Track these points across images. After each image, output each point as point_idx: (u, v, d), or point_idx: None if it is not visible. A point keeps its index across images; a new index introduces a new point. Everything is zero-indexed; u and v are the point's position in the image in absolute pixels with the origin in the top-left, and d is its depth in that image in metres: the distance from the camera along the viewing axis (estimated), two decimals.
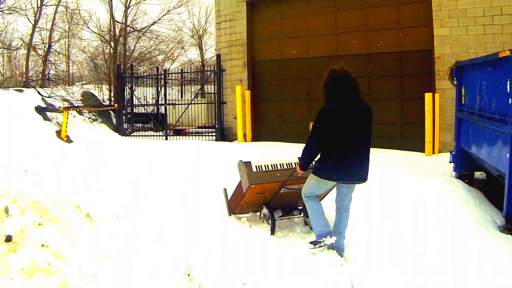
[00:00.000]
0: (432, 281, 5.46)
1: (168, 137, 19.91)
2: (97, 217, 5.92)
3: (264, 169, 7.40)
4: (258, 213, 8.05)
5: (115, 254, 5.15)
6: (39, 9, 23.02)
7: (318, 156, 6.49)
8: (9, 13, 23.79)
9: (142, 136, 20.55)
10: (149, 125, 22.24)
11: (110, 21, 24.76)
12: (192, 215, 8.21)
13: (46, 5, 23.69)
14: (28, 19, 23.67)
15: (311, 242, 6.62)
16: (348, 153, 6.31)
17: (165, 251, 5.72)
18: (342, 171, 6.33)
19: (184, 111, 20.07)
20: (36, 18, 22.96)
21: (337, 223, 6.76)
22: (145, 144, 17.31)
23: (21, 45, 24.73)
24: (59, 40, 24.98)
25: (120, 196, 8.90)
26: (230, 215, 8.02)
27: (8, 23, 25.68)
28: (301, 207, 7.79)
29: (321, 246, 6.49)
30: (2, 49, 24.92)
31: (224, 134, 19.02)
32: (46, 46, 23.52)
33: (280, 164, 7.52)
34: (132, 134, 21.07)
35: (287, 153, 13.08)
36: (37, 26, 23.14)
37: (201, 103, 20.55)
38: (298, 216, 7.89)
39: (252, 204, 7.78)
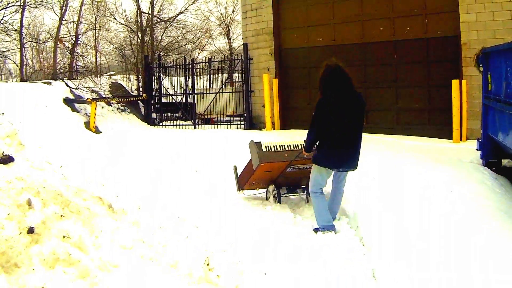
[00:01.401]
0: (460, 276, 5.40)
1: (197, 126, 19.92)
2: (119, 208, 5.95)
3: (273, 149, 8.09)
4: (265, 192, 8.72)
5: (135, 245, 5.17)
6: (65, 2, 23.19)
7: (317, 145, 7.08)
8: (36, 7, 24.04)
9: (170, 125, 20.60)
10: (177, 114, 22.21)
11: (137, 12, 24.80)
12: (216, 204, 8.24)
13: None
14: (54, 12, 23.91)
15: (314, 229, 7.13)
16: (341, 143, 6.82)
17: (185, 241, 5.75)
18: (336, 159, 6.91)
19: (213, 100, 19.99)
20: (63, 11, 23.16)
21: (330, 201, 7.35)
22: (173, 134, 17.36)
23: (49, 38, 25.01)
24: (86, 32, 25.25)
25: (144, 186, 8.95)
26: (239, 191, 8.70)
27: (35, 17, 25.97)
28: (304, 186, 8.45)
29: (322, 231, 7.02)
30: (30, 43, 25.17)
31: (252, 122, 18.99)
32: (73, 39, 23.70)
33: (287, 145, 8.16)
34: (160, 124, 21.10)
35: None
36: (63, 19, 23.36)
37: (229, 92, 20.48)
38: (302, 194, 8.56)
39: (260, 181, 8.47)
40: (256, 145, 8.05)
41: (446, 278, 5.16)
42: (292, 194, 8.55)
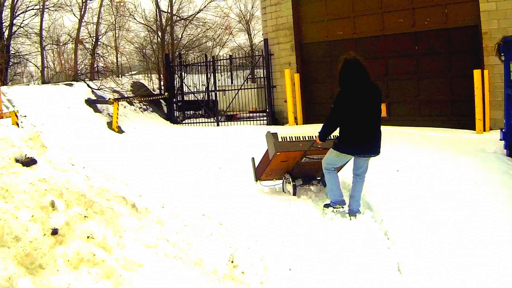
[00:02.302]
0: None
1: (220, 123, 19.92)
2: (143, 207, 5.95)
3: (288, 139, 8.45)
4: (281, 183, 9.10)
5: (160, 243, 5.15)
6: (84, 4, 23.37)
7: (338, 134, 7.45)
8: (55, 10, 24.22)
9: (193, 123, 20.64)
10: (200, 112, 22.26)
11: (156, 11, 24.87)
12: (239, 200, 8.26)
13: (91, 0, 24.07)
14: (74, 14, 24.14)
15: (325, 205, 7.76)
16: (363, 131, 7.25)
17: (209, 238, 5.74)
18: (359, 147, 7.33)
19: (235, 96, 20.03)
20: (82, 13, 23.36)
21: (352, 188, 7.68)
22: (196, 131, 17.41)
23: (69, 40, 25.18)
24: (106, 33, 25.32)
25: (168, 185, 8.98)
26: (256, 182, 9.08)
27: (55, 19, 26.16)
28: (319, 178, 8.85)
29: (333, 211, 7.52)
30: (50, 45, 25.35)
31: (275, 118, 18.95)
32: (94, 40, 23.84)
33: (302, 136, 8.53)
34: (183, 122, 21.16)
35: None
36: (83, 20, 23.53)
37: (251, 88, 20.37)
38: (316, 184, 8.91)
39: (276, 171, 8.80)
40: (272, 136, 8.39)
41: (474, 275, 5.11)
42: (307, 185, 8.84)
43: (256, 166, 9.05)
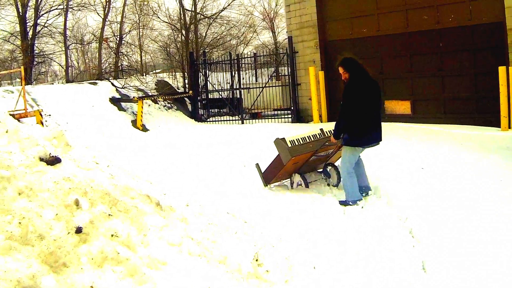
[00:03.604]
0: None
1: (244, 121, 19.94)
2: (167, 205, 5.93)
3: (297, 142, 8.62)
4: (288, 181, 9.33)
5: (184, 242, 5.14)
6: (107, 3, 23.51)
7: (348, 129, 7.86)
8: (79, 10, 24.41)
9: (218, 121, 20.67)
10: (224, 110, 22.29)
11: (180, 9, 24.91)
12: (264, 198, 8.23)
13: None
14: (97, 13, 24.30)
15: (341, 202, 7.98)
16: (370, 123, 7.83)
17: (234, 236, 5.71)
18: (367, 138, 7.87)
19: (259, 94, 20.02)
20: (106, 12, 23.51)
21: (356, 167, 8.09)
22: (221, 129, 17.43)
23: (93, 39, 25.38)
24: (130, 31, 25.47)
25: (192, 183, 8.97)
26: (265, 186, 9.16)
27: (79, 19, 26.37)
28: (320, 170, 9.29)
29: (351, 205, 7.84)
30: (74, 44, 25.54)
31: (300, 115, 18.90)
32: (118, 38, 23.98)
33: (307, 136, 8.76)
34: (208, 120, 21.20)
35: None
36: (107, 19, 23.67)
37: (275, 86, 20.41)
38: (321, 178, 9.21)
39: (287, 172, 9.01)
40: (283, 141, 8.56)
41: (503, 276, 5.04)
42: (314, 180, 9.16)
43: (263, 171, 9.23)
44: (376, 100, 7.93)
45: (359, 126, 7.74)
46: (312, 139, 8.73)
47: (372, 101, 7.82)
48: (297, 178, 9.03)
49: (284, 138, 8.66)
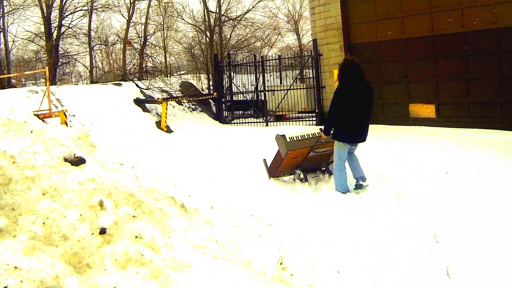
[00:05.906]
0: None
1: (269, 123, 19.93)
2: (191, 207, 5.91)
3: (295, 139, 9.37)
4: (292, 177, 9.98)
5: (208, 244, 5.11)
6: (132, 4, 23.60)
7: (336, 126, 8.64)
8: (103, 11, 24.56)
9: (242, 123, 20.66)
10: (249, 112, 22.25)
11: (204, 11, 24.97)
12: (289, 201, 8.20)
13: (139, 0, 24.39)
14: (122, 15, 24.45)
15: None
16: (356, 122, 8.50)
17: (258, 239, 5.67)
18: (353, 136, 8.60)
19: (284, 96, 20.00)
20: (130, 13, 23.61)
21: (350, 164, 8.94)
22: (245, 131, 17.41)
23: (117, 40, 25.50)
24: (154, 33, 25.55)
25: (217, 185, 8.94)
26: (269, 179, 9.85)
27: (103, 20, 26.52)
28: (324, 168, 10.18)
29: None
30: (99, 45, 25.69)
31: (324, 118, 18.76)
32: (142, 40, 24.08)
33: (306, 134, 9.51)
34: (232, 122, 21.18)
35: (386, 135, 12.95)
36: (131, 21, 23.76)
37: (300, 88, 20.31)
38: (323, 174, 10.05)
39: (288, 167, 9.71)
40: (282, 137, 9.31)
41: None
42: (314, 176, 10.01)
43: (269, 166, 9.90)
44: (363, 102, 8.57)
45: (343, 124, 8.51)
46: (310, 136, 9.46)
47: (357, 103, 8.46)
48: (298, 172, 9.70)
49: (284, 134, 9.40)
